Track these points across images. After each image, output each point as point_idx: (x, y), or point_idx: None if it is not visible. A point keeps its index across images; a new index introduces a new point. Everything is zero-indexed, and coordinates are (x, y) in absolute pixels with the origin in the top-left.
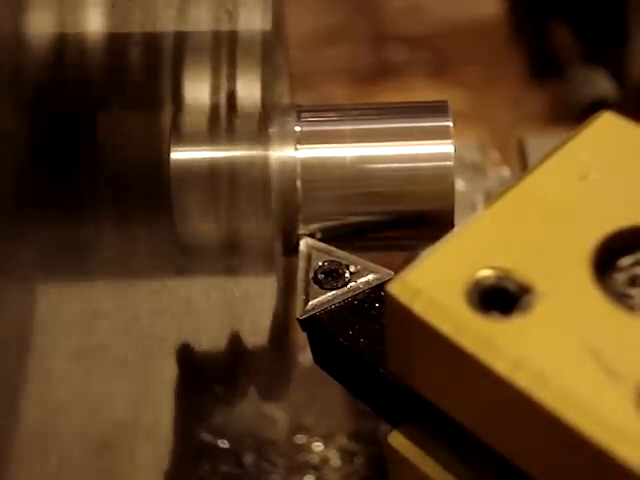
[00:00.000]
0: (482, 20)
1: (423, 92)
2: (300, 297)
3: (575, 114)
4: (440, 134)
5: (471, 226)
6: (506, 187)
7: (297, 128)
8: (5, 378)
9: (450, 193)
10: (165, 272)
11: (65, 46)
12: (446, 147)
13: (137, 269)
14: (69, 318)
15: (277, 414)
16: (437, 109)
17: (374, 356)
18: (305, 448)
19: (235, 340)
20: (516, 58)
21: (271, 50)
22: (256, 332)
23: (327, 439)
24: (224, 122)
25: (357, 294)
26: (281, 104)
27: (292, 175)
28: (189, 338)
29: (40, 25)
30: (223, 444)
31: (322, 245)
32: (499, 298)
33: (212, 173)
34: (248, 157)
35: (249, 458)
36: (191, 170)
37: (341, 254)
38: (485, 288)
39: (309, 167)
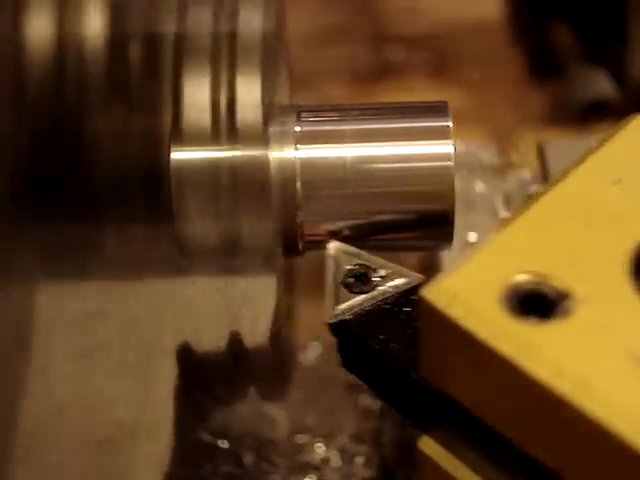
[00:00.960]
0: (482, 20)
1: (423, 92)
2: (329, 301)
3: (575, 114)
4: (440, 134)
5: (507, 230)
6: (541, 191)
7: (297, 128)
8: (5, 378)
9: (450, 193)
10: (165, 272)
11: (65, 46)
12: (446, 147)
13: (137, 269)
14: (69, 318)
15: (277, 414)
16: (437, 109)
17: (405, 361)
18: (306, 448)
19: (235, 340)
20: (516, 58)
21: (271, 50)
22: (256, 332)
23: (328, 439)
24: (224, 122)
25: (386, 298)
26: (281, 104)
27: (292, 175)
28: (189, 338)
29: (40, 26)
30: (223, 444)
31: (350, 248)
32: (537, 303)
33: (212, 173)
34: (248, 157)
35: (249, 458)
36: (191, 170)
37: (370, 258)
38: (523, 293)
39: (309, 167)
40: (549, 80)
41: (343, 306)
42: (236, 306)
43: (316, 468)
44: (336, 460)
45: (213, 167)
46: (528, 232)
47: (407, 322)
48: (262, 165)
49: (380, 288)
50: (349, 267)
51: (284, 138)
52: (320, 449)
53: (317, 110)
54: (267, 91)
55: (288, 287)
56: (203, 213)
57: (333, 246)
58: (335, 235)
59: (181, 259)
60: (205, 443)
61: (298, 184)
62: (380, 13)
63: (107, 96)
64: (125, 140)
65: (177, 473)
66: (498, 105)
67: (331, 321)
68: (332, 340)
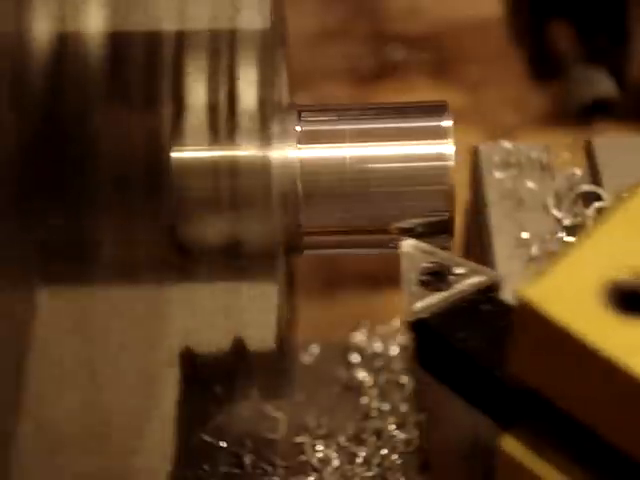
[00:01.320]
0: (482, 20)
1: (423, 92)
2: (407, 299)
3: (575, 114)
4: (440, 134)
5: (602, 228)
6: (633, 189)
7: (297, 128)
8: (5, 379)
9: (450, 193)
10: (167, 274)
11: (65, 45)
12: (446, 147)
13: (138, 271)
14: (69, 320)
15: (277, 414)
16: (437, 109)
17: (487, 359)
18: (305, 448)
19: (237, 341)
20: (516, 58)
21: (271, 50)
22: (257, 333)
23: (328, 439)
24: (224, 122)
25: (464, 296)
26: (281, 104)
27: (292, 175)
28: (191, 340)
29: (40, 24)
30: (223, 444)
31: (425, 246)
32: (637, 300)
33: (212, 172)
34: (248, 157)
35: (249, 458)
36: (192, 170)
37: (445, 255)
38: (622, 290)
39: (309, 167)
40: (549, 80)
41: (421, 304)
42: (238, 306)
43: (315, 468)
44: (336, 460)
45: (213, 167)
46: (624, 229)
47: (486, 320)
48: (262, 165)
49: (457, 286)
50: (425, 265)
51: (284, 138)
52: (320, 449)
53: (317, 110)
54: (267, 91)
55: (289, 287)
56: (204, 212)
57: (407, 244)
58: (329, 233)
59: (183, 259)
60: (205, 443)
61: (298, 183)
62: (380, 13)
63: (108, 95)
64: (126, 140)
65: (177, 473)
66: (498, 105)
67: (410, 319)
68: (332, 340)
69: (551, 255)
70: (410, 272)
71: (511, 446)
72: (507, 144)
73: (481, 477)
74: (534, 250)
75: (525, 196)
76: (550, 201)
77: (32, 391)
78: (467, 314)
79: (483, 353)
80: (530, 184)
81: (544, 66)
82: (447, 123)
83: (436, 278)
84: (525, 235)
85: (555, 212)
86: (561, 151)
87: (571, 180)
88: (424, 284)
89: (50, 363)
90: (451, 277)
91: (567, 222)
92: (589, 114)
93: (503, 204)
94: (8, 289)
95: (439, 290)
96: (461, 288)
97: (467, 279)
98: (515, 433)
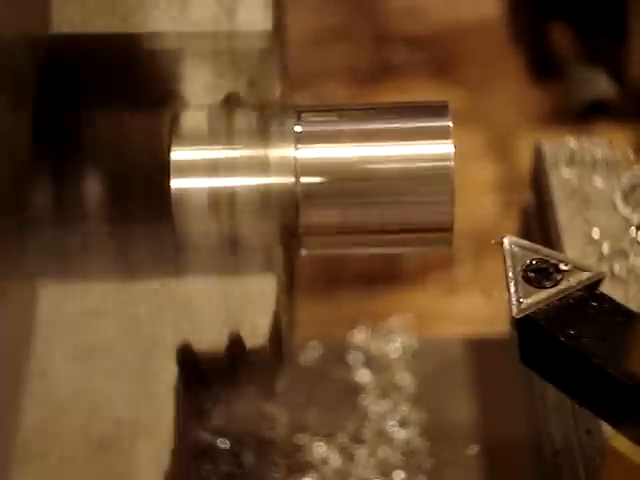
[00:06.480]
0: (482, 20)
1: (423, 92)
2: (513, 296)
3: (575, 114)
4: (440, 134)
5: None
6: None
7: (297, 128)
8: (5, 377)
9: (450, 193)
10: (165, 272)
11: (65, 46)
12: (446, 147)
13: (137, 269)
14: (70, 317)
15: (277, 414)
16: (437, 109)
17: (598, 356)
18: (305, 448)
19: (234, 340)
20: (516, 58)
21: (271, 50)
22: (255, 332)
23: (328, 439)
24: (224, 122)
25: (571, 293)
26: (281, 104)
27: (291, 175)
28: (189, 338)
29: (41, 26)
30: (223, 444)
31: (527, 243)
32: None
33: (212, 172)
34: (248, 157)
35: (249, 458)
36: (191, 170)
37: (548, 252)
38: None
39: (309, 167)
40: (549, 80)
41: (527, 301)
42: (236, 305)
43: (315, 468)
44: (336, 460)
45: (213, 166)
46: None
47: (595, 317)
48: (262, 165)
49: (563, 282)
50: (528, 262)
51: (284, 138)
52: (320, 449)
53: (317, 110)
54: (267, 91)
55: (288, 286)
56: (203, 212)
57: (509, 240)
58: (328, 234)
59: (181, 258)
60: (205, 443)
61: (298, 184)
62: (380, 13)
63: (108, 96)
64: (125, 139)
65: (177, 473)
66: (498, 105)
67: (518, 316)
68: (332, 340)
69: (622, 254)
70: (514, 269)
71: (620, 443)
72: (571, 141)
73: (551, 471)
74: (605, 248)
75: (592, 194)
76: (618, 199)
77: (32, 390)
78: (575, 311)
79: (594, 350)
80: (597, 182)
81: (544, 66)
82: (447, 123)
83: (540, 275)
84: (595, 233)
85: (623, 210)
86: (623, 148)
87: (636, 178)
88: (528, 281)
89: (50, 362)
90: (556, 274)
91: (636, 220)
92: (588, 114)
93: (570, 202)
94: (9, 288)
95: (544, 287)
96: (566, 285)
97: (573, 275)
98: (625, 430)
